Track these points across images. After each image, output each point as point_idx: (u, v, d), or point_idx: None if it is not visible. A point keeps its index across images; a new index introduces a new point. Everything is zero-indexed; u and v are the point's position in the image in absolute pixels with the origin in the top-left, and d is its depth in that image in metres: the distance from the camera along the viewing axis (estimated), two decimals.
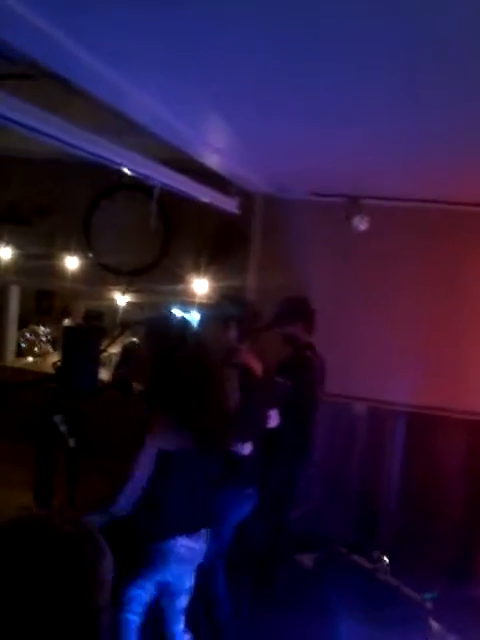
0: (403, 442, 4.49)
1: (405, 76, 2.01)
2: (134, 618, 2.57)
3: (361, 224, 4.13)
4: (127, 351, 4.25)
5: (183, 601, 2.66)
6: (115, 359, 4.52)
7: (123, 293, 5.46)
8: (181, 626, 2.69)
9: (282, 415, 3.44)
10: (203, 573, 3.11)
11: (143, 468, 2.38)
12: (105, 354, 4.47)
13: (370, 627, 3.31)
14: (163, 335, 2.55)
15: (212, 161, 3.56)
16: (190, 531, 2.53)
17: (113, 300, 5.56)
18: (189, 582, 2.63)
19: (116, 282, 5.41)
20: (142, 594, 2.58)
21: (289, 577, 4.02)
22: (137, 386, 3.58)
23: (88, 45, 1.98)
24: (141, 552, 2.48)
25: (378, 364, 4.35)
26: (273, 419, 3.29)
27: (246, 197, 4.56)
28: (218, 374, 2.64)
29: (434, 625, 3.18)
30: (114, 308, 5.57)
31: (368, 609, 3.50)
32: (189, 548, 2.52)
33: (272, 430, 3.56)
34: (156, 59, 2.10)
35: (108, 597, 1.15)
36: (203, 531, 2.60)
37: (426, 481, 4.42)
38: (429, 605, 3.36)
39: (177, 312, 5.10)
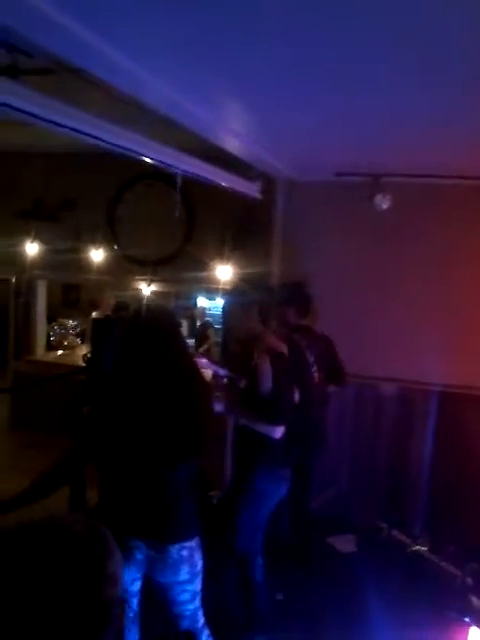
0: (432, 421, 4.46)
1: (422, 53, 2.00)
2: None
3: (383, 202, 4.09)
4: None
5: (197, 600, 2.55)
6: None
7: (148, 283, 5.51)
8: (202, 621, 2.58)
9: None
10: (240, 560, 3.15)
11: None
12: None
13: (410, 603, 3.33)
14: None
15: (232, 146, 3.56)
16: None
17: (139, 290, 5.62)
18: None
19: (142, 272, 5.46)
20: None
21: (323, 560, 4.05)
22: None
23: (105, 36, 2.00)
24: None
25: (404, 343, 4.32)
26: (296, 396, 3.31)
27: (267, 181, 4.56)
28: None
29: (474, 600, 3.19)
30: (140, 298, 5.63)
31: (408, 585, 3.52)
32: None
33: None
34: (174, 47, 2.11)
35: (118, 592, 1.23)
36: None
37: (456, 460, 4.39)
38: (469, 581, 3.36)
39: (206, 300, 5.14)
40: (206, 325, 8.41)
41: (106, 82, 2.45)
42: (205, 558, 2.45)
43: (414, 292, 4.42)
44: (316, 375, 3.86)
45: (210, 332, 8.17)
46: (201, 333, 8.29)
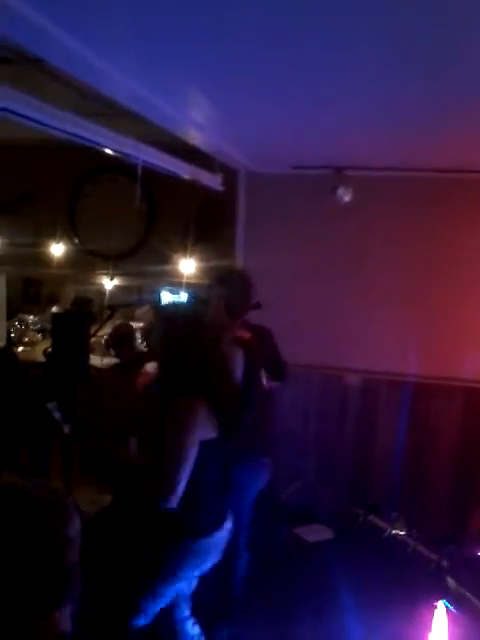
0: (396, 411, 4.53)
1: (385, 50, 2.02)
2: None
3: (345, 195, 4.11)
4: (118, 332, 4.25)
5: (193, 585, 2.62)
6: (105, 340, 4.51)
7: (110, 277, 5.45)
8: (188, 610, 2.64)
9: None
10: (226, 553, 3.12)
11: (185, 460, 2.18)
12: (95, 339, 4.46)
13: (386, 587, 3.37)
14: (179, 318, 2.40)
15: (194, 138, 3.53)
16: (224, 519, 2.45)
17: (100, 284, 5.55)
18: None
19: (103, 266, 5.39)
20: (187, 591, 2.54)
21: (291, 551, 4.07)
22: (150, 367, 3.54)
23: (65, 26, 1.95)
24: (179, 549, 2.33)
25: (368, 335, 4.38)
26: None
27: (230, 174, 4.54)
28: (224, 355, 2.60)
29: (450, 582, 3.25)
30: (102, 292, 5.56)
31: (385, 569, 3.56)
32: (223, 537, 2.45)
33: None
34: (136, 38, 2.08)
35: (78, 556, 1.26)
36: (229, 514, 2.53)
37: (424, 447, 4.48)
38: (445, 563, 3.42)
39: (170, 294, 5.11)
40: None
41: (66, 73, 2.40)
42: None
43: (378, 284, 4.47)
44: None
45: None
46: None
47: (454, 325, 4.40)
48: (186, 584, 2.50)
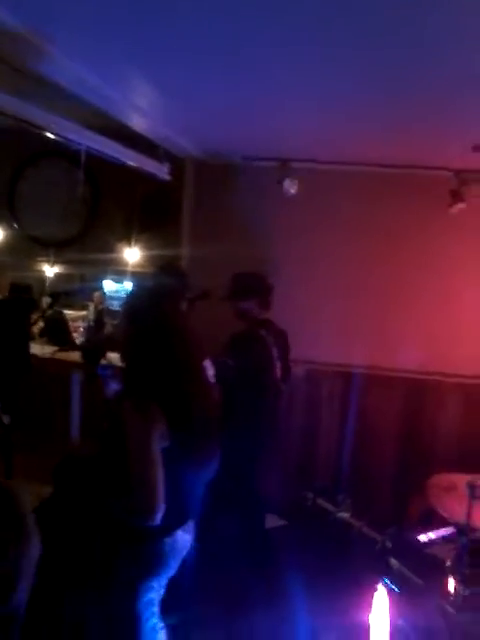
0: (340, 401, 4.61)
1: (330, 41, 2.01)
2: (158, 623, 2.32)
3: (291, 187, 4.13)
4: (52, 321, 4.15)
5: (162, 592, 2.40)
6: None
7: (51, 264, 5.32)
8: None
9: (226, 395, 3.45)
10: None
11: (155, 465, 1.99)
12: (35, 327, 4.36)
13: (332, 569, 3.43)
14: (147, 310, 2.17)
15: (140, 125, 3.47)
16: (186, 520, 2.29)
17: (41, 272, 5.41)
18: None
19: (45, 253, 5.25)
20: (156, 596, 2.30)
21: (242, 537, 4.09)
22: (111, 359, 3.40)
23: (7, 6, 1.88)
24: (143, 553, 2.17)
25: (311, 326, 4.42)
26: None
27: (177, 163, 4.49)
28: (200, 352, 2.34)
29: (393, 562, 3.32)
30: (42, 280, 5.42)
31: (330, 551, 3.62)
32: (185, 538, 2.29)
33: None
34: (81, 20, 2.02)
35: (11, 565, 1.18)
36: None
37: (364, 438, 4.58)
38: (388, 544, 3.49)
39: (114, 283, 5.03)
40: (103, 312, 7.70)
41: (6, 52, 2.31)
42: None
43: (322, 276, 4.52)
44: (278, 371, 3.80)
45: (107, 321, 7.49)
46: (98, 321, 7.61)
47: (396, 317, 4.49)
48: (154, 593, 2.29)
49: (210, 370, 3.11)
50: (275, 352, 3.76)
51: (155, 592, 2.24)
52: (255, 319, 3.71)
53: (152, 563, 2.17)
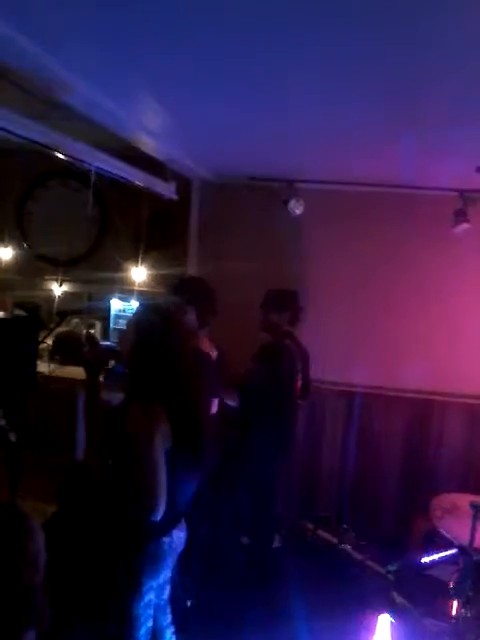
0: (343, 421, 4.61)
1: (333, 68, 2.06)
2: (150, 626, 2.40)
3: (297, 208, 4.17)
4: (60, 340, 4.17)
5: (167, 592, 2.55)
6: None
7: (60, 283, 5.35)
8: (169, 618, 2.58)
9: (256, 403, 3.48)
10: None
11: (159, 466, 2.11)
12: (43, 346, 4.38)
13: (335, 601, 3.40)
14: (152, 322, 2.29)
15: (148, 145, 3.53)
16: (180, 519, 2.41)
17: (50, 291, 5.45)
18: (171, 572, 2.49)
19: (53, 272, 5.29)
20: (153, 599, 2.39)
21: (239, 561, 4.05)
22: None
23: (17, 25, 1.93)
24: (145, 554, 2.26)
25: (314, 345, 4.42)
26: (213, 407, 3.26)
27: (184, 183, 4.54)
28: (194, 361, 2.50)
29: (397, 597, 3.28)
30: (51, 299, 5.46)
31: (333, 583, 3.59)
32: (179, 536, 2.39)
33: (246, 420, 3.61)
34: (87, 40, 2.06)
35: (41, 578, 1.18)
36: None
37: (367, 458, 4.56)
38: (391, 577, 3.46)
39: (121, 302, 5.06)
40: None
41: (18, 74, 2.36)
42: None
43: (326, 296, 4.54)
44: (298, 384, 3.86)
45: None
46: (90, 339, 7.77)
47: (400, 337, 4.50)
48: (155, 593, 2.39)
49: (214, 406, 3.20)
50: (298, 364, 3.81)
51: (154, 593, 2.35)
52: (280, 331, 3.81)
53: (153, 563, 2.28)
